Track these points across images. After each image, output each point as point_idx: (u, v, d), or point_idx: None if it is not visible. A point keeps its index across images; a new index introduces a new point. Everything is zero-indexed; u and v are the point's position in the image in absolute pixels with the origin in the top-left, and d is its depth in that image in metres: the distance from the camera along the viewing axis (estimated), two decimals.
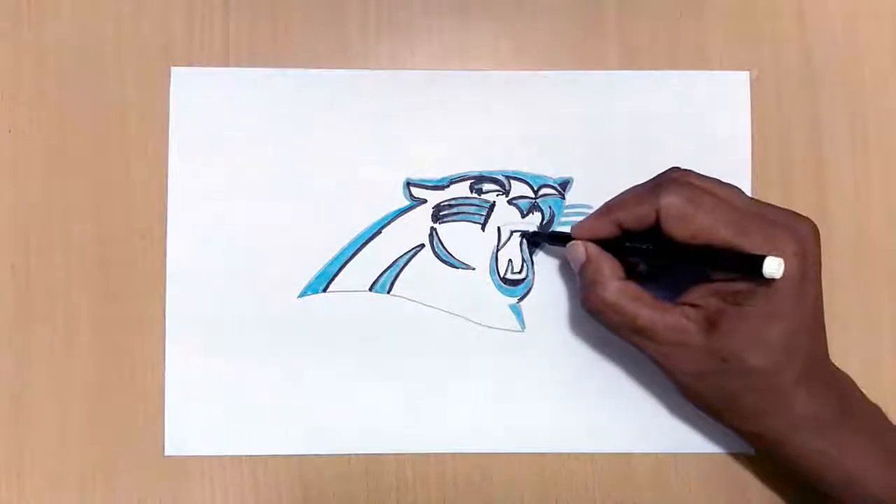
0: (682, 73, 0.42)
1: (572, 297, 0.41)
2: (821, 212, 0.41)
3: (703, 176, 0.36)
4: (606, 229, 0.37)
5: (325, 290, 0.41)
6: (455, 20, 0.42)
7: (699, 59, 0.42)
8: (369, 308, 0.41)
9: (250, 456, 0.40)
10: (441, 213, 0.41)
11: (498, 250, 0.41)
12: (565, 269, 0.41)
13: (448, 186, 0.41)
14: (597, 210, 0.38)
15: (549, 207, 0.41)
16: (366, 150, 0.41)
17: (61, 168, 0.41)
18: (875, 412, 0.37)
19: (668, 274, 0.38)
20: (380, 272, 0.41)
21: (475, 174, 0.41)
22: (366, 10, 0.42)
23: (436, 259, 0.41)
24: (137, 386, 0.40)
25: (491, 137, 0.41)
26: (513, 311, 0.41)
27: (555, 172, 0.41)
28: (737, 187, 0.36)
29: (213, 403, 0.40)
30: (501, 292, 0.41)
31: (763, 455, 0.39)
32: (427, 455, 0.40)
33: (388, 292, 0.41)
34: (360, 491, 0.40)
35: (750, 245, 0.34)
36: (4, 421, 0.40)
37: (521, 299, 0.41)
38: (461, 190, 0.41)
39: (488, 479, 0.41)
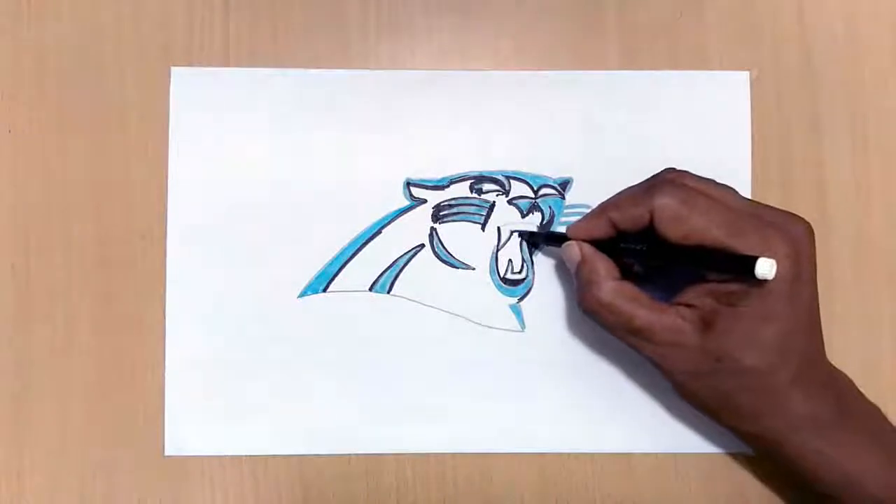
0: (682, 73, 0.42)
1: (572, 297, 0.41)
2: (821, 212, 0.41)
3: (697, 177, 0.36)
4: (601, 230, 0.37)
5: (325, 290, 0.41)
6: (455, 20, 0.42)
7: (699, 59, 0.42)
8: (369, 308, 0.41)
9: (250, 456, 0.40)
10: (441, 213, 0.41)
11: (498, 250, 0.41)
12: (565, 269, 0.40)
13: (448, 186, 0.41)
14: (591, 211, 0.38)
15: (549, 207, 0.41)
16: (366, 150, 0.41)
17: (61, 168, 0.41)
18: (873, 412, 0.37)
19: (663, 274, 0.38)
20: (380, 272, 0.41)
21: (475, 174, 0.41)
22: (366, 10, 0.42)
23: (436, 259, 0.41)
24: (137, 386, 0.40)
25: (491, 137, 0.41)
26: (513, 311, 0.41)
27: (555, 172, 0.41)
28: (731, 188, 0.36)
29: (213, 403, 0.40)
30: (501, 292, 0.41)
31: (762, 455, 0.39)
32: (427, 455, 0.40)
33: (388, 292, 0.41)
34: (360, 491, 0.40)
35: (744, 246, 0.34)
36: (4, 421, 0.40)
37: (521, 299, 0.41)
38: (461, 190, 0.41)
39: (488, 479, 0.41)
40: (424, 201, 0.41)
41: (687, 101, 0.41)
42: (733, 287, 0.34)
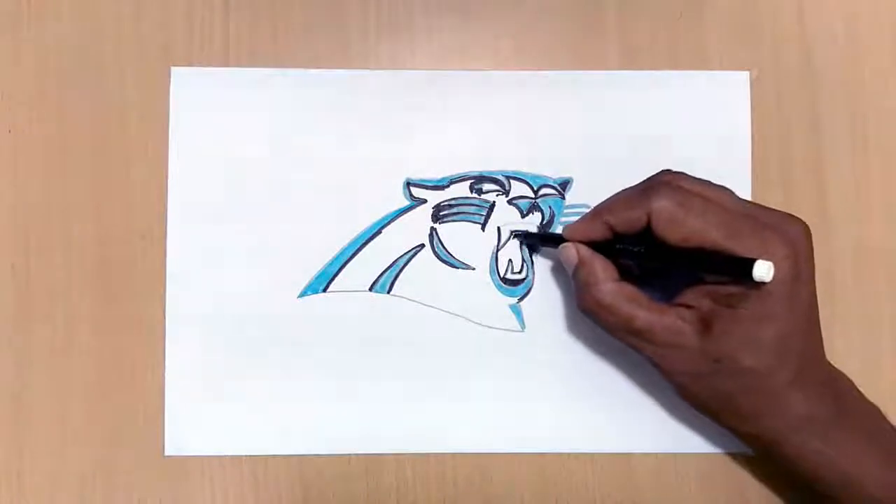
0: (682, 73, 0.42)
1: (572, 297, 0.40)
2: (821, 212, 0.41)
3: (694, 178, 0.36)
4: (598, 232, 0.37)
5: (325, 290, 0.41)
6: (455, 20, 0.42)
7: (699, 59, 0.42)
8: (369, 308, 0.41)
9: (250, 456, 0.40)
10: (441, 213, 0.41)
11: (498, 250, 0.41)
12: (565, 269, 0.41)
13: (448, 186, 0.41)
14: (588, 213, 0.38)
15: (549, 207, 0.41)
16: (366, 150, 0.41)
17: (61, 168, 0.41)
18: (873, 412, 0.37)
19: (662, 275, 0.38)
20: (380, 272, 0.41)
21: (475, 174, 0.41)
22: (366, 10, 0.42)
23: (436, 259, 0.41)
24: (137, 386, 0.40)
25: (491, 137, 0.41)
26: (513, 311, 0.41)
27: (555, 172, 0.41)
28: (728, 189, 0.36)
29: (213, 403, 0.40)
30: (501, 292, 0.41)
31: (762, 455, 0.39)
32: (427, 455, 0.40)
33: (388, 292, 0.41)
34: (360, 491, 0.40)
35: (741, 248, 0.34)
36: (4, 421, 0.40)
37: (521, 299, 0.41)
38: (461, 190, 0.41)
39: (488, 479, 0.41)
40: (424, 201, 0.41)
41: (687, 101, 0.41)
42: (731, 289, 0.34)
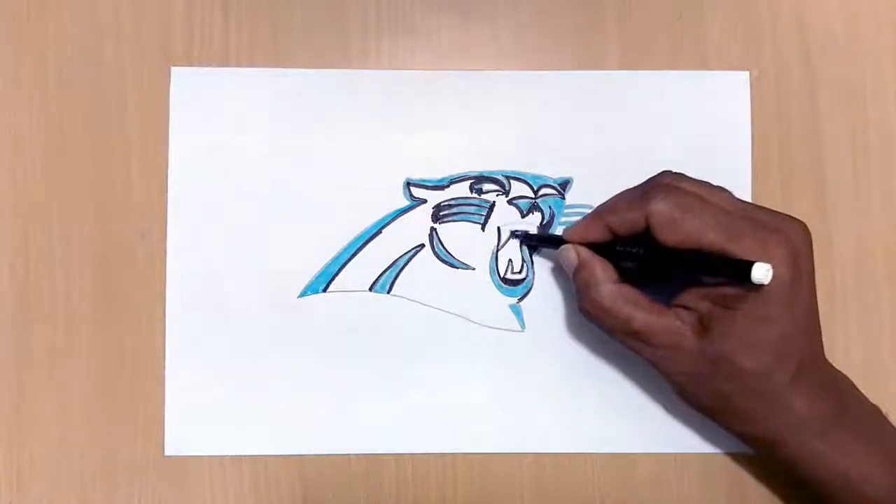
0: (682, 73, 0.42)
1: (572, 297, 0.40)
2: (821, 212, 0.41)
3: (693, 180, 0.36)
4: (598, 234, 0.37)
5: (325, 290, 0.41)
6: (455, 20, 0.42)
7: (699, 59, 0.42)
8: (369, 308, 0.41)
9: (250, 456, 0.40)
10: (441, 213, 0.41)
11: (498, 250, 0.41)
12: None
13: (448, 186, 0.41)
14: (588, 215, 0.38)
15: (549, 207, 0.41)
16: (366, 150, 0.41)
17: (61, 168, 0.41)
18: (873, 413, 0.37)
19: (661, 276, 0.38)
20: (380, 272, 0.41)
21: (475, 174, 0.41)
22: (366, 10, 0.42)
23: (436, 259, 0.41)
24: (137, 386, 0.40)
25: (491, 137, 0.41)
26: (513, 311, 0.41)
27: (555, 172, 0.41)
28: (727, 190, 0.36)
29: (213, 403, 0.40)
30: (501, 292, 0.41)
31: (762, 455, 0.39)
32: (427, 455, 0.40)
33: (388, 292, 0.41)
34: (360, 491, 0.40)
35: (740, 250, 0.34)
36: (4, 421, 0.40)
37: (521, 299, 0.41)
38: (461, 190, 0.41)
39: (488, 479, 0.41)
40: (424, 201, 0.41)
41: (687, 101, 0.41)
42: (729, 290, 0.34)
